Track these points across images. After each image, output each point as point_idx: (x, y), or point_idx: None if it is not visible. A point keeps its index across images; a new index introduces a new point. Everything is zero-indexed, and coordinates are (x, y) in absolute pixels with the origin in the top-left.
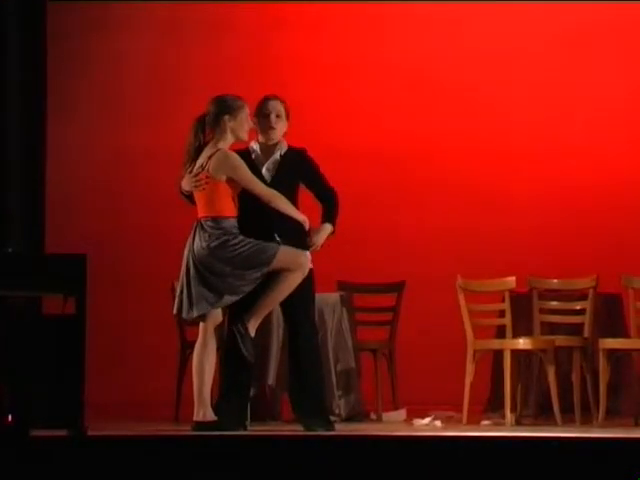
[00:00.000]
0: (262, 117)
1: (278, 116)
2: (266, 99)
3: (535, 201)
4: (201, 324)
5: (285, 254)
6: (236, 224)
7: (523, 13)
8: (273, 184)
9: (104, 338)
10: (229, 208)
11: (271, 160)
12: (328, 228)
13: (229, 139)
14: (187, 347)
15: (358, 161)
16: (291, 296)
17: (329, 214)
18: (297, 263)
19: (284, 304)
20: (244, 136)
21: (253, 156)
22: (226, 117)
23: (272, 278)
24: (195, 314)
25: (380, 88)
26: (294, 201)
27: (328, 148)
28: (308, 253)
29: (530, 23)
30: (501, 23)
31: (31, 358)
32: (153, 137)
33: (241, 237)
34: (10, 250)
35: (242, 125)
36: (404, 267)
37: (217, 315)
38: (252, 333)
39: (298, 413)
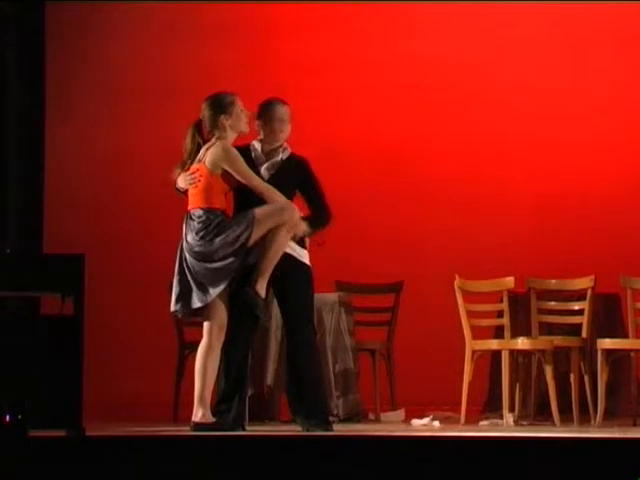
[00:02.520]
0: (271, 121)
1: (287, 121)
2: (276, 103)
3: (533, 201)
4: (206, 325)
5: (264, 210)
6: (225, 217)
7: (522, 13)
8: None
9: (102, 338)
10: (221, 202)
11: (271, 162)
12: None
13: (230, 136)
14: (185, 347)
15: (357, 161)
16: (289, 297)
17: (313, 221)
18: (282, 217)
19: (282, 304)
20: (244, 128)
21: (253, 155)
22: (222, 117)
23: (264, 241)
24: (213, 295)
25: (380, 88)
26: None
27: (328, 148)
28: (293, 204)
29: (529, 23)
30: (500, 23)
31: (29, 358)
32: (151, 137)
33: (222, 218)
34: (8, 250)
35: (239, 118)
36: (402, 267)
37: (222, 314)
38: (262, 294)
39: (296, 414)
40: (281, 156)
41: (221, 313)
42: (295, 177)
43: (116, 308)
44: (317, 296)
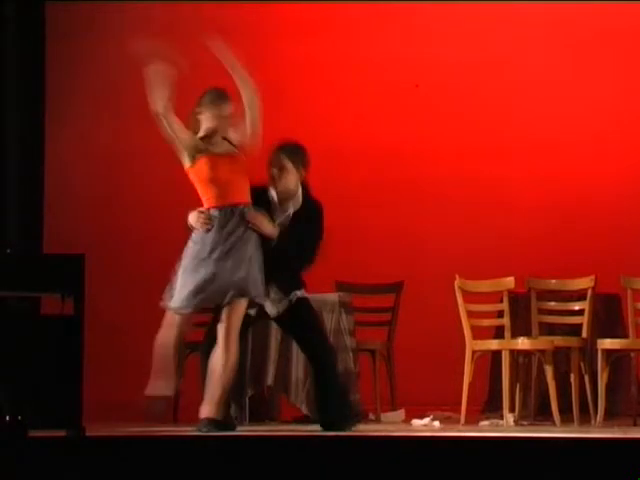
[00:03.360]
0: (269, 167)
1: (281, 169)
2: (274, 150)
3: (533, 201)
4: (223, 327)
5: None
6: (215, 215)
7: (523, 13)
8: (283, 237)
9: (102, 338)
10: (205, 197)
11: (285, 216)
12: (266, 222)
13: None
14: (186, 347)
15: (357, 161)
16: (303, 334)
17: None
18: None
19: (297, 341)
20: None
21: (270, 203)
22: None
23: None
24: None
25: (380, 88)
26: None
27: (328, 148)
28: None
29: (529, 23)
30: (500, 23)
31: (29, 358)
32: (151, 137)
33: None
34: (8, 250)
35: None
36: (402, 267)
37: (242, 303)
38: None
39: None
40: (292, 209)
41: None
42: (302, 224)
43: (116, 308)
44: (317, 296)
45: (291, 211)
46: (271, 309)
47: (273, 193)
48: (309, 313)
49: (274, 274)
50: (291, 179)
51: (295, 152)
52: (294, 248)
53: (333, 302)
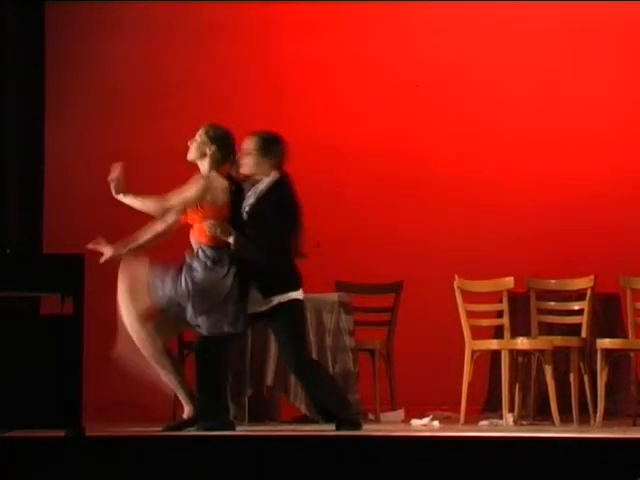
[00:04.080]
0: (241, 154)
1: (248, 153)
2: (249, 137)
3: (533, 201)
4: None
5: None
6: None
7: (524, 13)
8: (250, 224)
9: (102, 338)
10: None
11: (248, 202)
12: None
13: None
14: (185, 347)
15: (357, 161)
16: (280, 335)
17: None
18: None
19: (277, 341)
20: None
21: (242, 193)
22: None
23: None
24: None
25: (380, 88)
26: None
27: (327, 148)
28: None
29: (530, 23)
30: (500, 23)
31: (29, 358)
32: (150, 138)
33: None
34: (8, 250)
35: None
36: (402, 268)
37: None
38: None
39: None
40: (255, 195)
41: None
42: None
43: (116, 308)
44: (317, 296)
45: (253, 198)
46: (249, 307)
47: (246, 186)
48: (291, 320)
49: (251, 272)
50: (261, 168)
51: (270, 141)
52: (261, 244)
53: (332, 302)
